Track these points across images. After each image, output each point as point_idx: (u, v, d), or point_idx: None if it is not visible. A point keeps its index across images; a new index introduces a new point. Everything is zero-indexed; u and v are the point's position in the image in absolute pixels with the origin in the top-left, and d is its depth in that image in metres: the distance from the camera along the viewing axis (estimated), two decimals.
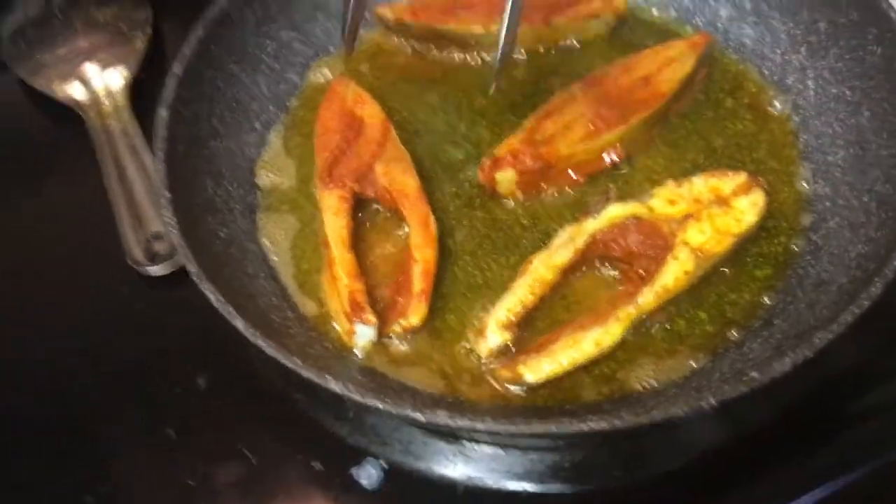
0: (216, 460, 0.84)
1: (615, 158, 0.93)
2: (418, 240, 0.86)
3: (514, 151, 0.90)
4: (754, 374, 0.67)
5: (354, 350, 0.83)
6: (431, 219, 0.88)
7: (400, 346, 0.84)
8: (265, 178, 0.96)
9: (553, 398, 0.79)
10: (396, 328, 0.83)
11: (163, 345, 0.93)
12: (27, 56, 1.15)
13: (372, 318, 0.80)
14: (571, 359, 0.76)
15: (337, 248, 0.84)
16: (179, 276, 0.93)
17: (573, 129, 0.92)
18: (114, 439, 0.87)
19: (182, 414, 0.87)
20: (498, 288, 0.87)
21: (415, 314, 0.82)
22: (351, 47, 0.92)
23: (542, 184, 0.92)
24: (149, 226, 0.97)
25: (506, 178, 0.90)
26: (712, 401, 0.66)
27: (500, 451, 0.83)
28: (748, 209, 0.83)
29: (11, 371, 0.92)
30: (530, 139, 0.91)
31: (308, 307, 0.87)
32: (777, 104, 0.98)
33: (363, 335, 0.81)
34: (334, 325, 0.84)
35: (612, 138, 0.91)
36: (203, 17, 0.93)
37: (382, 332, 0.83)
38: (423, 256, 0.85)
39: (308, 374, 0.71)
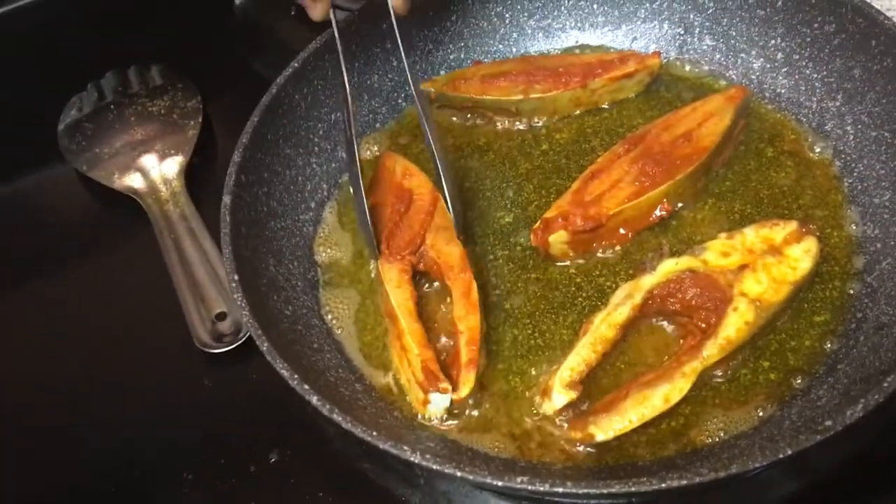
0: None
1: (663, 213, 0.95)
2: (461, 311, 0.87)
3: (564, 213, 0.93)
4: (828, 422, 0.68)
5: (431, 419, 0.84)
6: (474, 286, 0.89)
7: (467, 413, 0.85)
8: (323, 254, 0.99)
9: (623, 456, 0.80)
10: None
11: (232, 422, 0.95)
12: (84, 149, 1.20)
13: (446, 384, 0.82)
14: (641, 415, 0.77)
15: (405, 319, 0.86)
16: (244, 353, 0.97)
17: (620, 188, 0.94)
18: None
19: (256, 491, 0.88)
20: (558, 348, 0.88)
21: (464, 385, 0.83)
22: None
23: (594, 243, 0.95)
24: (212, 306, 1.00)
25: (558, 239, 0.92)
26: (789, 451, 0.66)
27: None
28: (802, 256, 0.85)
29: (85, 454, 0.94)
30: (579, 200, 0.94)
31: (375, 378, 0.89)
32: (818, 150, 1.00)
33: (438, 403, 0.83)
34: (406, 397, 0.86)
35: (659, 194, 0.94)
36: (258, 105, 0.97)
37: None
38: (466, 326, 0.86)
39: (385, 445, 0.72)
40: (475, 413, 0.85)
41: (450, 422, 0.84)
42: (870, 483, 0.84)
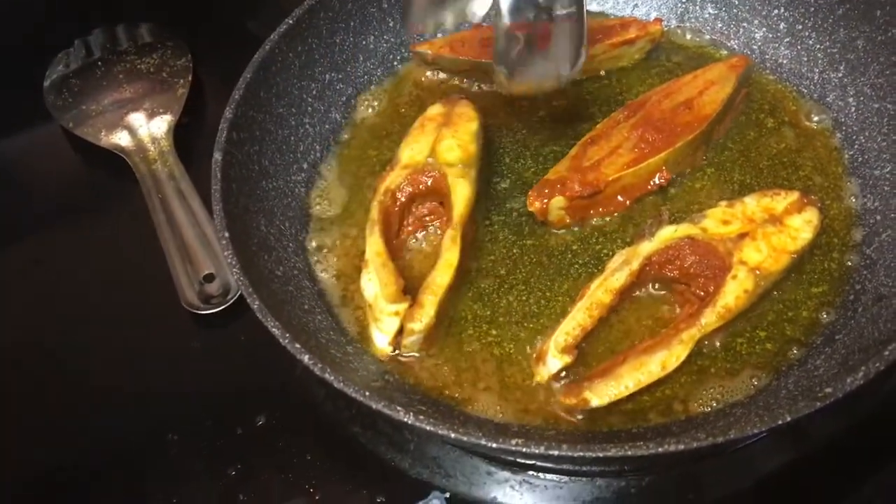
0: (279, 500, 0.84)
1: (662, 181, 0.93)
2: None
3: (561, 178, 0.91)
4: (828, 389, 0.67)
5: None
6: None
7: (462, 377, 0.84)
8: (317, 209, 0.98)
9: (617, 423, 0.79)
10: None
11: (220, 384, 0.93)
12: (71, 106, 1.17)
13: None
14: (637, 381, 0.76)
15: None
16: (232, 315, 0.95)
17: (619, 154, 0.93)
18: (174, 481, 0.87)
19: (243, 454, 0.87)
20: (554, 314, 0.87)
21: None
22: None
23: (591, 210, 0.93)
24: (200, 268, 0.99)
25: (555, 205, 0.91)
26: (788, 417, 0.66)
27: (564, 479, 0.82)
28: (803, 226, 0.84)
29: (70, 415, 0.93)
30: (577, 166, 0.92)
31: (367, 341, 0.87)
32: (818, 121, 0.99)
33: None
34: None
35: (659, 161, 0.92)
36: (251, 62, 0.95)
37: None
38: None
39: (378, 405, 0.71)
40: (467, 378, 0.84)
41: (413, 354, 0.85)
42: (863, 456, 0.83)
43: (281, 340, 0.75)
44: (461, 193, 0.90)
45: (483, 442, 0.68)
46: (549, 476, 0.82)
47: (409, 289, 0.88)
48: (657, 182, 0.93)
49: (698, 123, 0.93)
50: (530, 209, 0.92)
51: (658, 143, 0.92)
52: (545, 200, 0.90)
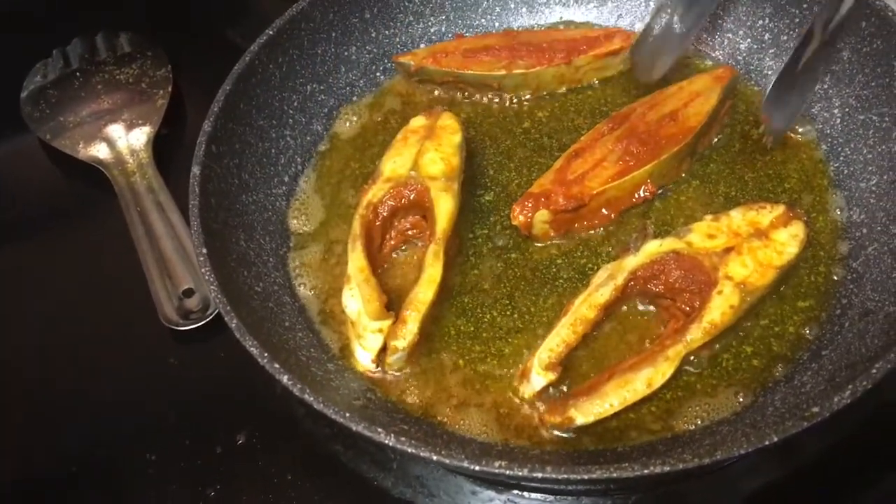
0: None
1: (647, 194, 0.92)
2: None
3: (545, 192, 0.90)
4: (815, 408, 0.66)
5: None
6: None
7: (444, 395, 0.83)
8: (295, 223, 0.96)
9: (602, 441, 0.78)
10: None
11: (199, 402, 0.92)
12: (48, 118, 1.15)
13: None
14: (622, 399, 0.75)
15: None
16: (211, 330, 0.93)
17: (604, 167, 0.91)
18: (152, 502, 0.85)
19: (223, 474, 0.86)
20: (538, 329, 0.86)
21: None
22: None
23: (576, 223, 0.92)
24: (179, 282, 0.97)
25: (539, 219, 0.90)
26: (775, 437, 0.65)
27: (549, 498, 0.81)
28: (789, 241, 0.83)
29: (45, 434, 0.91)
30: (561, 179, 0.91)
31: (349, 358, 0.86)
32: (804, 133, 0.98)
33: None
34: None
35: (644, 174, 0.91)
36: (230, 73, 0.94)
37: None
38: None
39: (358, 427, 0.69)
40: (451, 396, 0.82)
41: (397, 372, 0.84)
42: (851, 473, 0.83)
43: (260, 360, 0.74)
44: (444, 207, 0.89)
45: (466, 465, 0.67)
46: (533, 495, 0.81)
47: (392, 304, 0.86)
48: (642, 195, 0.93)
49: (683, 135, 0.93)
50: (514, 223, 0.91)
51: (643, 155, 0.91)
52: (529, 214, 0.89)
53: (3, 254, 1.08)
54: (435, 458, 0.67)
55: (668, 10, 0.94)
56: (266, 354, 0.73)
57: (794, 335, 0.83)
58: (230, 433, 0.88)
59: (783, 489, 0.82)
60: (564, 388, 0.81)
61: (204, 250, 0.81)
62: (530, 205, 0.90)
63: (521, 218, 0.90)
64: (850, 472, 0.82)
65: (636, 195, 0.93)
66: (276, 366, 0.73)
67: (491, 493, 0.82)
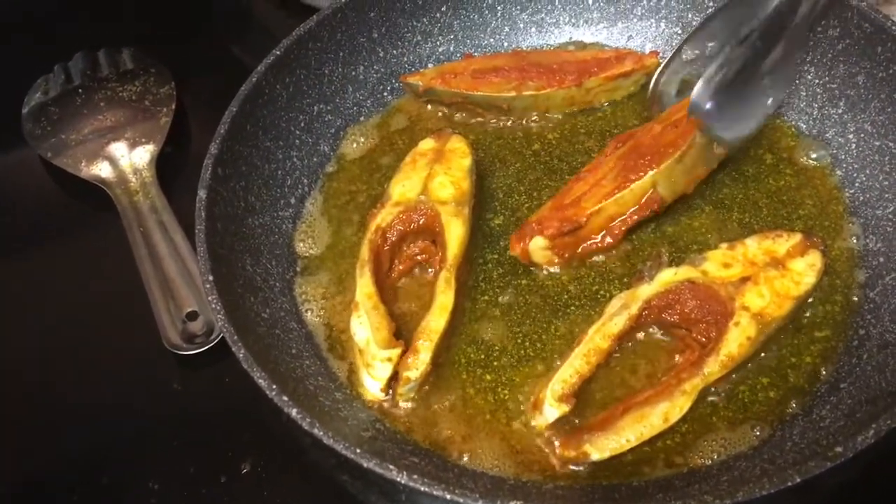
0: None
1: (655, 207, 0.89)
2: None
3: (540, 218, 0.88)
4: (839, 448, 0.64)
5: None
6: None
7: (455, 425, 0.81)
8: (301, 246, 0.95)
9: (617, 475, 0.77)
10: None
11: (203, 429, 0.90)
12: (49, 135, 1.13)
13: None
14: (639, 434, 0.74)
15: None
16: (216, 355, 0.92)
17: (601, 185, 0.89)
18: None
19: (227, 502, 0.84)
20: (550, 358, 0.85)
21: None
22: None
23: (579, 246, 0.90)
24: (183, 305, 0.95)
25: (537, 245, 0.88)
26: (797, 478, 0.63)
27: None
28: (806, 271, 0.82)
29: (45, 461, 0.89)
30: (558, 204, 0.89)
31: (357, 387, 0.84)
32: (818, 158, 0.97)
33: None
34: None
35: (644, 185, 0.88)
36: (237, 95, 0.92)
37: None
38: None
39: (369, 463, 0.68)
40: (461, 427, 0.81)
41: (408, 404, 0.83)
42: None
43: (268, 393, 0.72)
44: (455, 233, 0.87)
45: (481, 503, 0.65)
46: None
47: (401, 330, 0.85)
48: (650, 210, 0.89)
49: (683, 139, 0.88)
50: (512, 254, 0.89)
51: (642, 167, 0.88)
52: (525, 243, 0.88)
53: (2, 272, 1.06)
54: (448, 496, 0.66)
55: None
56: (275, 386, 0.72)
57: (812, 366, 0.82)
58: (235, 461, 0.86)
59: None
60: (577, 421, 0.80)
61: (210, 277, 0.79)
62: (525, 233, 0.88)
63: (518, 248, 0.88)
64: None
65: (646, 211, 0.89)
66: (285, 398, 0.71)
67: None
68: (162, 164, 1.10)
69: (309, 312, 0.90)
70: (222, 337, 0.92)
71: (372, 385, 0.82)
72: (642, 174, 0.88)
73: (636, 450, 0.77)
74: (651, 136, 0.92)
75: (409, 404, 0.82)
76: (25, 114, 1.16)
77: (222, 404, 0.91)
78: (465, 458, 0.79)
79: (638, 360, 0.83)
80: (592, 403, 0.81)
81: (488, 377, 0.84)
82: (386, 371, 0.80)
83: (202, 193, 0.85)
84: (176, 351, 0.92)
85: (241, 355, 0.74)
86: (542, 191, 0.98)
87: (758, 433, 0.78)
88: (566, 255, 0.90)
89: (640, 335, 0.84)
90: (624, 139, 0.95)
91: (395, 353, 0.81)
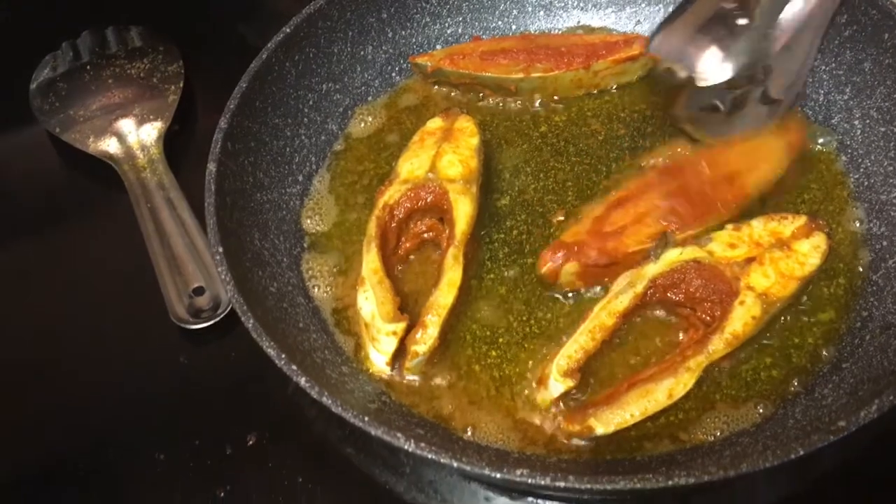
0: None
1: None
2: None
3: (579, 242, 0.85)
4: (842, 422, 0.65)
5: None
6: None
7: (459, 400, 0.82)
8: (308, 223, 0.95)
9: (620, 450, 0.77)
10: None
11: (209, 402, 0.90)
12: (58, 111, 1.14)
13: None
14: (643, 410, 0.75)
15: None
16: (222, 329, 0.92)
17: (645, 224, 0.86)
18: (161, 501, 0.84)
19: (233, 475, 0.84)
20: (555, 336, 0.85)
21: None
22: None
23: (605, 277, 0.86)
24: (190, 280, 0.96)
25: (568, 270, 0.85)
26: (801, 451, 0.64)
27: None
28: (811, 252, 0.82)
29: (52, 433, 0.89)
30: (598, 230, 0.86)
31: (364, 361, 0.85)
32: (823, 144, 0.97)
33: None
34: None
35: (685, 237, 0.85)
36: (247, 71, 0.92)
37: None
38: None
39: (377, 431, 0.68)
40: (466, 401, 0.81)
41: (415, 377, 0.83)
42: (864, 489, 0.82)
43: (277, 362, 0.73)
44: (463, 210, 0.88)
45: (488, 472, 0.66)
46: (548, 503, 0.80)
47: (407, 306, 0.85)
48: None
49: (737, 203, 0.87)
50: (540, 271, 0.86)
51: (689, 218, 0.85)
52: (559, 265, 0.84)
53: (10, 248, 1.06)
54: (455, 464, 0.66)
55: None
56: (283, 356, 0.72)
57: (814, 346, 0.83)
58: (240, 434, 0.86)
59: (809, 497, 0.81)
60: (581, 397, 0.80)
61: (220, 249, 0.80)
62: (561, 255, 0.84)
63: (550, 266, 0.85)
64: (863, 489, 0.81)
65: None
66: (294, 367, 0.72)
67: (505, 500, 0.81)
68: (169, 142, 1.10)
69: (316, 289, 0.90)
70: (228, 312, 0.92)
71: (378, 358, 0.82)
72: (686, 227, 0.85)
73: (640, 426, 0.78)
74: (701, 182, 0.88)
75: (414, 378, 0.83)
76: (34, 89, 1.16)
77: (228, 378, 0.92)
78: (469, 432, 0.79)
79: (642, 338, 0.84)
80: (596, 380, 0.82)
81: (493, 353, 0.85)
82: (391, 345, 0.81)
83: (212, 167, 0.85)
84: (182, 325, 0.92)
85: (250, 325, 0.74)
86: (549, 172, 0.98)
87: (760, 411, 0.79)
88: (589, 283, 0.87)
89: (644, 315, 0.85)
90: (672, 172, 0.90)
91: (400, 326, 0.81)
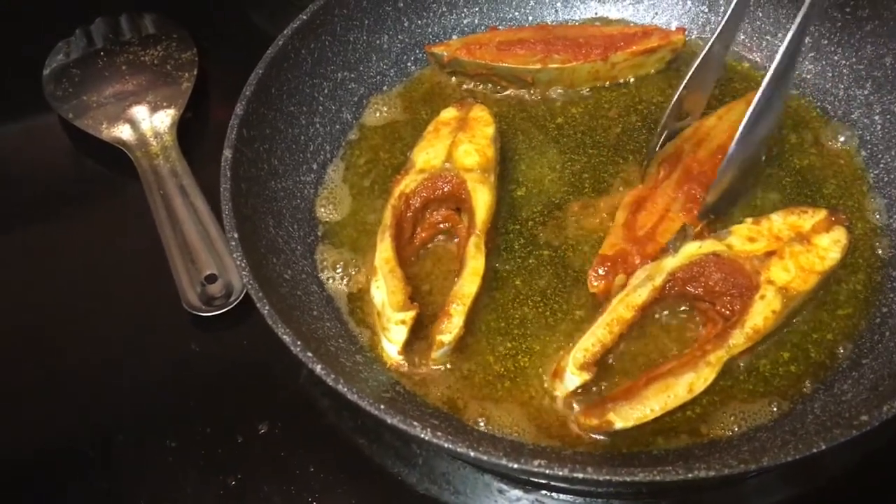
0: None
1: None
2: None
3: (622, 254, 0.85)
4: (864, 417, 0.64)
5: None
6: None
7: (474, 391, 0.81)
8: (322, 211, 0.95)
9: (636, 444, 0.77)
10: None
11: (220, 390, 0.90)
12: (71, 97, 1.13)
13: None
14: (663, 404, 0.74)
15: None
16: (234, 317, 0.92)
17: (671, 219, 0.87)
18: (172, 490, 0.83)
19: (244, 463, 0.84)
20: (570, 329, 0.85)
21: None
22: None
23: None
24: (202, 268, 0.95)
25: (618, 283, 0.84)
26: (823, 445, 0.63)
27: (578, 500, 0.80)
28: (831, 246, 0.81)
29: (64, 418, 0.89)
30: (632, 236, 0.87)
31: (377, 350, 0.84)
32: (843, 139, 0.97)
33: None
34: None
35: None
36: (263, 57, 0.92)
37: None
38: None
39: (393, 420, 0.68)
40: (481, 393, 0.81)
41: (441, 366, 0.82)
42: (874, 491, 0.81)
43: (293, 349, 0.72)
44: (482, 199, 0.87)
45: (504, 462, 0.65)
46: (562, 496, 0.80)
47: (424, 298, 0.85)
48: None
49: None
50: (592, 290, 0.85)
51: (701, 192, 0.88)
52: (610, 280, 0.84)
53: (22, 233, 1.06)
54: (473, 454, 0.66)
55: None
56: (299, 343, 0.72)
57: (833, 342, 0.82)
58: (252, 422, 0.86)
59: (820, 495, 0.80)
60: (597, 390, 0.80)
61: (236, 235, 0.79)
62: (608, 271, 0.85)
63: (602, 284, 0.84)
64: (873, 491, 0.81)
65: None
66: (310, 354, 0.71)
67: (518, 493, 0.80)
68: (182, 129, 1.09)
69: (330, 279, 0.90)
70: (240, 300, 0.92)
71: (389, 348, 0.82)
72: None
73: (657, 420, 0.76)
74: (700, 163, 0.91)
75: (428, 368, 0.82)
76: (47, 75, 1.15)
77: (240, 366, 0.91)
78: (483, 423, 0.79)
79: (660, 331, 0.83)
80: (613, 374, 0.81)
81: (508, 345, 0.84)
82: (401, 334, 0.80)
83: (228, 153, 0.85)
84: (195, 312, 0.92)
85: (265, 311, 0.74)
86: (565, 164, 0.97)
87: (778, 406, 0.78)
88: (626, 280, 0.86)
89: (661, 308, 0.84)
90: (671, 162, 0.92)
91: (409, 315, 0.80)
